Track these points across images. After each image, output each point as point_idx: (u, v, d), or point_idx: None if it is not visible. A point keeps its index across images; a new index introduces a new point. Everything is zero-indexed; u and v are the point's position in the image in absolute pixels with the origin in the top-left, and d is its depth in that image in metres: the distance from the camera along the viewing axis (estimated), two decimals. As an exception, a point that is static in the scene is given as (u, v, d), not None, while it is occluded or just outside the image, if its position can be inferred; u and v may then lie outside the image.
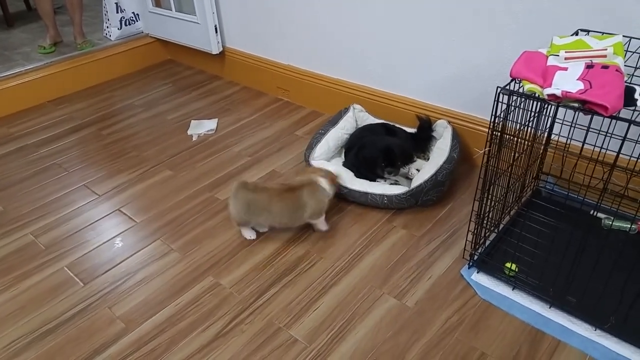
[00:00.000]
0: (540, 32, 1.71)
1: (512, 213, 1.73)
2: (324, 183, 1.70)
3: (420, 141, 2.08)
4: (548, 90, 1.19)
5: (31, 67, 2.77)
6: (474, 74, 1.94)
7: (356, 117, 2.20)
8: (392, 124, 2.15)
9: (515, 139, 1.41)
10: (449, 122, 2.03)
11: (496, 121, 1.31)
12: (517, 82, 1.33)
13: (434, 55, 2.02)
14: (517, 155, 1.45)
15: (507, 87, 1.27)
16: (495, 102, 1.27)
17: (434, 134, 2.08)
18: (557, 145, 1.73)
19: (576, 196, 1.60)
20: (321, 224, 1.76)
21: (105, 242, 1.77)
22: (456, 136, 1.96)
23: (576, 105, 1.15)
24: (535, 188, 1.85)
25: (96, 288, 1.59)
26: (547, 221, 1.61)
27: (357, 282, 1.56)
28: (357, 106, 2.22)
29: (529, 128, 1.49)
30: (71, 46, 3.08)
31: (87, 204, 1.97)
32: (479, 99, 1.98)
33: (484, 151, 1.37)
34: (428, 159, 2.01)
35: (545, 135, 1.73)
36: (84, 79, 2.94)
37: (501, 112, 1.30)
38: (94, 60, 2.95)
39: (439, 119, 2.09)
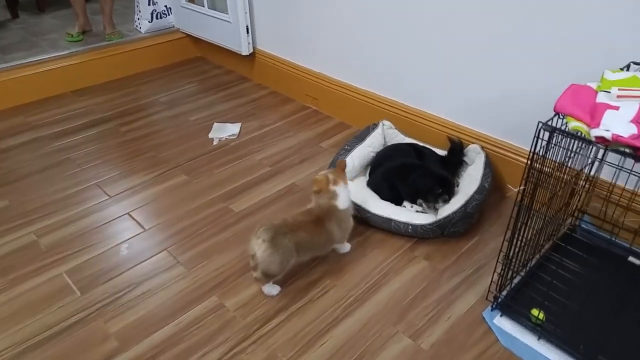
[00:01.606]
0: (591, 62, 1.56)
1: (542, 252, 1.58)
2: (343, 203, 1.55)
3: (451, 165, 1.94)
4: (596, 132, 1.06)
5: (55, 55, 2.73)
6: (514, 99, 1.80)
7: (385, 135, 2.08)
8: (421, 144, 2.02)
9: (554, 177, 1.27)
10: (482, 148, 1.89)
11: (534, 158, 1.18)
12: (560, 117, 1.20)
13: (472, 75, 1.88)
14: (554, 194, 1.32)
15: (549, 123, 1.14)
16: (535, 139, 1.15)
17: (465, 158, 1.94)
18: (595, 183, 1.58)
19: (614, 239, 1.46)
20: (344, 247, 1.66)
21: (109, 249, 1.69)
22: (489, 164, 1.82)
23: (627, 150, 1.02)
24: (570, 226, 1.70)
25: (94, 299, 1.50)
26: (580, 266, 1.45)
27: (370, 316, 1.44)
28: (387, 123, 2.10)
29: (569, 165, 1.35)
30: (100, 36, 3.03)
31: (97, 205, 1.90)
32: (516, 126, 1.84)
33: (519, 189, 1.23)
34: (457, 185, 1.88)
35: (587, 172, 1.58)
36: (109, 71, 2.88)
37: (540, 149, 1.17)
38: (121, 52, 2.89)
39: (472, 143, 1.95)
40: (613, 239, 1.56)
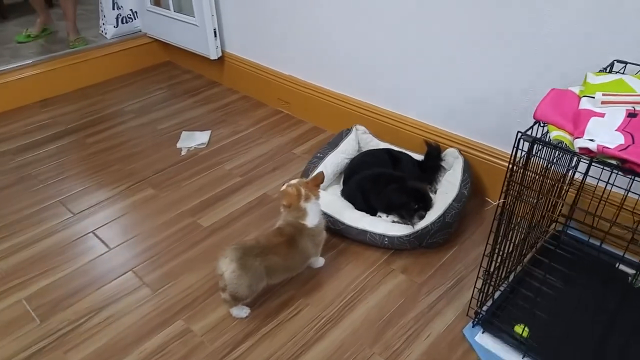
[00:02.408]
0: (573, 59, 1.50)
1: (526, 260, 1.52)
2: (313, 220, 1.46)
3: (428, 171, 1.88)
4: (580, 142, 0.99)
5: (18, 64, 2.61)
6: (492, 100, 1.73)
7: (359, 140, 2.01)
8: (397, 149, 1.95)
9: (536, 185, 1.21)
10: (460, 152, 1.83)
11: (514, 170, 1.12)
12: (541, 125, 1.13)
13: (448, 75, 1.82)
14: (535, 205, 1.25)
15: (529, 132, 1.07)
16: (514, 149, 1.08)
17: (443, 163, 1.88)
18: (581, 186, 1.52)
19: (601, 245, 1.40)
20: (317, 261, 1.59)
21: (72, 271, 1.60)
22: (468, 169, 1.76)
23: (614, 162, 0.95)
24: (555, 233, 1.64)
25: (54, 327, 1.41)
26: (566, 276, 1.36)
27: (345, 337, 1.37)
28: (361, 127, 2.03)
29: (551, 169, 1.28)
30: (63, 42, 2.91)
31: (59, 224, 1.80)
32: (495, 128, 1.78)
33: (498, 202, 1.17)
34: (435, 192, 1.82)
35: (571, 175, 1.52)
36: (76, 80, 2.77)
37: (520, 160, 1.10)
38: (87, 60, 2.78)
39: (450, 146, 1.89)
40: (600, 246, 1.50)
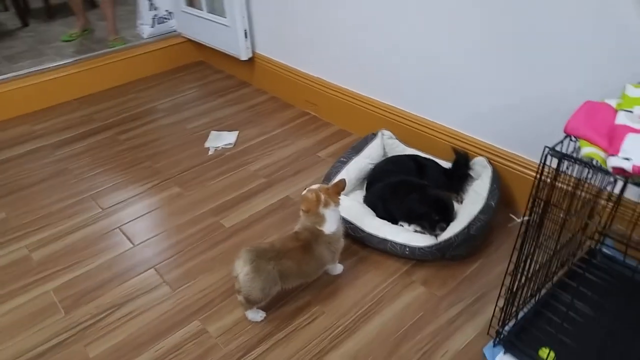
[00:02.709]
0: (614, 71, 1.42)
1: (556, 279, 1.45)
2: (331, 227, 1.44)
3: (455, 179, 1.83)
4: (613, 161, 0.93)
5: (61, 63, 2.70)
6: (525, 107, 1.67)
7: (384, 145, 1.99)
8: (423, 156, 1.92)
9: (565, 203, 1.16)
10: (489, 161, 1.78)
11: (540, 187, 1.07)
12: (573, 139, 1.08)
13: (481, 81, 1.77)
14: (563, 224, 1.20)
15: (560, 147, 1.02)
16: (541, 165, 1.03)
17: (470, 172, 1.83)
18: (618, 202, 1.45)
19: (637, 266, 1.33)
20: (335, 268, 1.57)
21: (97, 265, 1.64)
22: (496, 179, 1.71)
23: (651, 184, 0.90)
24: (590, 250, 1.56)
25: (77, 320, 1.45)
26: (600, 298, 1.30)
27: (359, 349, 1.35)
28: (387, 132, 2.00)
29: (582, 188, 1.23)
30: (102, 42, 2.99)
31: (89, 218, 1.85)
32: (528, 138, 1.71)
33: (522, 219, 1.13)
34: (462, 202, 1.78)
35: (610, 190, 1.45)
36: (113, 77, 2.84)
37: (547, 177, 1.06)
38: (123, 59, 2.85)
39: (479, 155, 1.84)
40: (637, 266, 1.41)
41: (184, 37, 3.04)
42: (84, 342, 1.39)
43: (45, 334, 1.41)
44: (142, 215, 1.85)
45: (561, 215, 1.11)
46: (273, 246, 1.39)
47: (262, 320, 1.43)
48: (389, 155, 1.99)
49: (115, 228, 1.80)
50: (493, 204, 1.63)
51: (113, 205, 1.91)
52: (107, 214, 1.87)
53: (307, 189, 1.48)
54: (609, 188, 1.39)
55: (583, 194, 1.23)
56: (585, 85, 1.50)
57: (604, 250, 1.54)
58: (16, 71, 2.61)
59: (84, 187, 2.02)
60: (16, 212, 1.90)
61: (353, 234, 1.65)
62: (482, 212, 1.59)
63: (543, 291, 1.39)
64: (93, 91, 2.80)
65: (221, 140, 2.28)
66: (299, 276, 1.43)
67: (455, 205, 1.77)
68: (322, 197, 1.44)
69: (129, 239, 1.75)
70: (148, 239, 1.74)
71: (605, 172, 0.95)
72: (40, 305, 1.50)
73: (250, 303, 1.39)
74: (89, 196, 1.96)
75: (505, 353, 1.31)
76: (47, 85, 2.63)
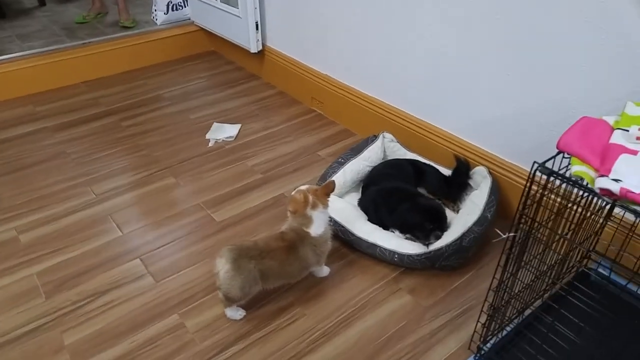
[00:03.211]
0: (623, 86, 1.37)
1: (546, 297, 1.40)
2: (318, 229, 1.41)
3: (454, 187, 1.79)
4: (602, 182, 0.88)
5: (70, 44, 2.70)
6: (530, 118, 1.62)
7: (385, 148, 1.94)
8: (424, 161, 1.87)
9: (552, 223, 1.11)
10: (490, 172, 1.72)
11: (527, 203, 1.03)
12: (565, 156, 1.03)
13: (485, 89, 1.71)
14: (548, 243, 1.15)
15: (550, 163, 0.98)
16: (529, 181, 0.99)
17: (470, 181, 1.78)
18: (621, 221, 1.38)
19: (625, 285, 1.27)
20: (321, 271, 1.54)
21: (84, 252, 1.63)
22: (495, 190, 1.66)
23: (638, 209, 0.85)
24: (582, 269, 1.51)
25: (57, 305, 1.44)
26: (589, 319, 1.19)
27: (337, 355, 1.32)
28: (388, 135, 1.96)
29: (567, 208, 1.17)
30: (115, 26, 2.99)
31: (81, 203, 1.84)
32: (530, 149, 1.66)
33: (507, 235, 1.08)
34: (458, 212, 1.73)
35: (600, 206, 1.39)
36: (123, 63, 2.84)
37: (535, 194, 1.01)
38: (135, 44, 2.84)
39: (479, 164, 1.79)
40: (636, 290, 1.34)
41: (197, 25, 3.02)
42: (61, 328, 1.38)
43: (24, 318, 1.41)
44: (134, 204, 1.84)
45: (546, 234, 1.06)
46: (256, 245, 1.36)
47: (241, 319, 1.40)
48: (389, 158, 1.94)
49: (106, 215, 1.79)
50: (489, 215, 1.58)
51: (107, 192, 1.90)
52: (100, 200, 1.86)
53: (296, 189, 1.45)
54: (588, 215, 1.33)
55: (573, 213, 1.17)
56: (591, 99, 1.44)
57: (600, 270, 1.48)
58: (26, 50, 2.62)
59: (81, 171, 2.02)
60: (10, 192, 1.90)
61: (343, 237, 1.61)
62: (477, 223, 1.54)
63: (529, 311, 1.34)
64: (101, 75, 2.79)
65: (223, 132, 2.26)
66: (280, 277, 1.40)
67: (451, 214, 1.72)
68: (310, 198, 1.41)
69: (118, 227, 1.73)
70: (137, 229, 1.73)
71: (593, 193, 0.90)
72: (22, 289, 1.50)
73: (229, 300, 1.36)
74: (85, 181, 1.96)
75: (485, 370, 1.27)
76: (55, 66, 2.63)
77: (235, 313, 1.40)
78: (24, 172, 2.02)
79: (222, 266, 1.31)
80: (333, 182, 1.47)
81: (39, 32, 2.92)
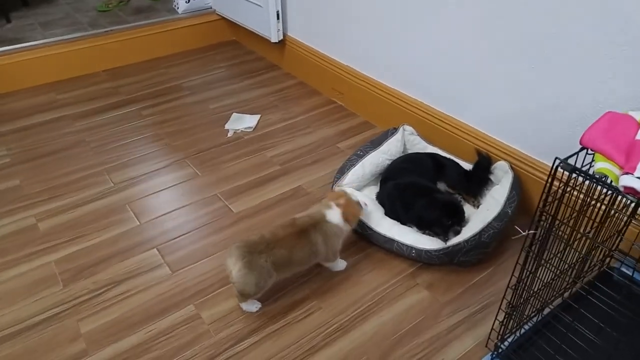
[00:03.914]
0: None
1: (567, 295, 1.36)
2: (334, 217, 1.42)
3: (475, 182, 1.75)
4: (626, 180, 0.85)
5: (92, 32, 2.71)
6: (554, 114, 1.57)
7: (405, 141, 1.91)
8: (444, 155, 1.83)
9: (574, 221, 1.07)
10: (511, 167, 1.68)
11: (548, 200, 0.99)
12: (589, 152, 0.99)
13: (508, 82, 1.67)
14: (569, 241, 1.11)
15: (571, 161, 0.94)
16: (551, 178, 0.95)
17: (491, 176, 1.74)
18: (624, 229, 1.34)
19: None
20: (336, 265, 1.52)
21: (101, 241, 1.64)
22: (517, 186, 1.62)
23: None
24: (604, 269, 1.47)
25: (74, 294, 1.46)
26: (610, 318, 1.14)
27: (352, 349, 1.31)
28: (408, 128, 1.92)
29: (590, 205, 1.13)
30: (139, 14, 2.99)
31: (100, 192, 1.85)
32: (553, 145, 1.62)
33: (527, 233, 1.05)
34: (478, 207, 1.69)
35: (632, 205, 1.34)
36: (144, 51, 2.85)
37: (557, 191, 0.98)
38: (156, 33, 2.85)
39: (501, 159, 1.74)
40: None
41: (218, 14, 3.01)
42: (78, 316, 1.39)
43: (41, 305, 1.42)
44: (152, 194, 1.84)
45: (567, 232, 1.03)
46: (263, 238, 1.34)
47: (257, 311, 1.40)
48: (409, 151, 1.91)
49: (124, 204, 1.80)
50: (509, 211, 1.54)
51: (125, 181, 1.91)
52: (118, 189, 1.87)
53: (339, 188, 1.46)
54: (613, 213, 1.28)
55: (596, 210, 1.13)
56: (617, 94, 1.39)
57: (623, 269, 1.44)
58: (48, 38, 2.63)
59: (100, 160, 2.03)
60: (30, 180, 1.92)
61: (360, 231, 1.59)
62: (497, 219, 1.51)
63: (548, 309, 1.31)
64: (122, 64, 2.81)
65: (242, 123, 2.25)
66: (292, 264, 1.38)
67: (471, 209, 1.69)
68: (344, 199, 1.44)
69: (136, 216, 1.74)
70: (155, 218, 1.73)
71: (617, 190, 0.86)
72: (40, 276, 1.52)
73: (245, 297, 1.36)
74: (103, 170, 1.97)
75: (502, 368, 1.25)
76: (76, 54, 2.65)
77: (252, 306, 1.40)
78: (43, 160, 2.04)
79: (234, 265, 1.30)
80: (361, 210, 1.49)
81: (61, 20, 2.93)
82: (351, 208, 1.46)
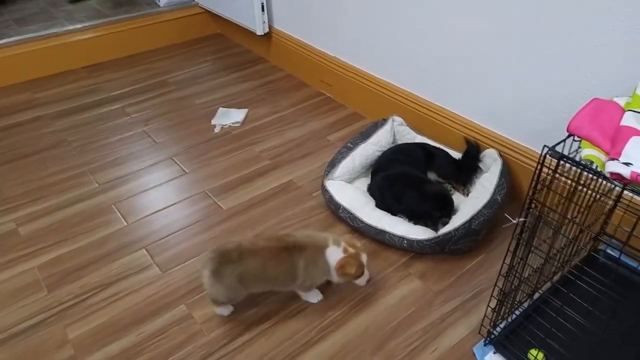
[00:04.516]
0: (629, 67, 1.31)
1: (555, 279, 1.36)
2: (333, 255, 1.30)
3: (464, 170, 1.74)
4: (612, 166, 0.85)
5: (69, 28, 2.65)
6: (543, 101, 1.57)
7: (394, 132, 1.89)
8: (433, 144, 1.82)
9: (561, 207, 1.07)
10: (500, 154, 1.68)
11: (537, 188, 0.98)
12: (575, 139, 0.99)
13: (495, 71, 1.66)
14: (558, 226, 1.11)
15: (558, 148, 0.93)
16: (540, 166, 0.95)
17: (480, 164, 1.74)
18: (630, 202, 1.34)
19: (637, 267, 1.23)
20: (310, 296, 1.41)
21: (87, 243, 1.61)
22: (506, 173, 1.62)
23: (650, 193, 0.81)
24: (591, 250, 1.47)
25: (59, 299, 1.42)
26: (597, 300, 1.11)
27: (347, 342, 1.30)
28: (397, 118, 1.91)
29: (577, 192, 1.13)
30: (118, 8, 2.92)
31: (84, 193, 1.81)
32: (542, 131, 1.61)
33: (517, 221, 1.04)
34: (468, 195, 1.69)
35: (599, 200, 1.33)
36: (125, 47, 2.79)
37: (546, 178, 0.97)
38: (137, 27, 2.78)
39: (490, 147, 1.74)
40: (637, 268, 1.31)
41: (201, 7, 2.95)
42: (65, 322, 1.36)
43: (25, 313, 1.39)
44: (139, 193, 1.81)
45: (556, 219, 1.02)
46: (239, 246, 1.27)
47: (228, 315, 1.36)
48: (399, 142, 1.90)
49: (109, 205, 1.76)
50: (499, 198, 1.54)
51: (110, 181, 1.87)
52: (103, 189, 1.83)
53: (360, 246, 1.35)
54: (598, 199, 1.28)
55: (583, 196, 1.14)
56: (602, 80, 1.39)
57: (608, 251, 1.45)
58: (22, 35, 2.56)
59: (83, 160, 1.98)
60: (9, 183, 1.86)
61: (352, 224, 1.58)
62: (486, 206, 1.50)
63: (538, 294, 1.31)
64: (102, 60, 2.75)
65: (229, 117, 2.22)
66: (263, 279, 1.30)
67: (461, 198, 1.68)
68: (353, 252, 1.31)
69: (122, 216, 1.71)
70: (142, 218, 1.70)
71: (603, 177, 0.86)
72: (23, 283, 1.48)
73: (216, 303, 1.34)
74: (87, 170, 1.93)
75: (495, 353, 1.26)
76: (54, 51, 2.58)
77: (225, 310, 1.36)
78: (23, 161, 1.99)
79: (202, 272, 1.27)
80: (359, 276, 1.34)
81: (36, 15, 2.84)
82: (352, 264, 1.29)
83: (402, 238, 1.50)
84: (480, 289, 1.44)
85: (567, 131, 0.97)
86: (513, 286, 1.16)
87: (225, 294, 1.28)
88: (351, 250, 1.31)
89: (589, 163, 0.90)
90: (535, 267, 1.17)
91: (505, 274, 1.13)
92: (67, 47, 2.62)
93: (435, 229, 1.53)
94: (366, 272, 1.35)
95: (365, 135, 1.83)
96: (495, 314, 1.22)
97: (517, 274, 1.13)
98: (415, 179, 1.62)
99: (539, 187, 0.98)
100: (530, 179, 0.99)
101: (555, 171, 0.94)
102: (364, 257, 1.32)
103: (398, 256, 1.54)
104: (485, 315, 1.26)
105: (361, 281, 1.35)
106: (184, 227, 1.66)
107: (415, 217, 1.57)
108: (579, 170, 0.99)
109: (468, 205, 1.55)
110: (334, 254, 1.30)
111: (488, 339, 1.26)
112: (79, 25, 2.67)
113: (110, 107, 2.35)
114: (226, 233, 1.63)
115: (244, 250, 1.27)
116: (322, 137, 2.11)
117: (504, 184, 1.58)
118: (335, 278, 1.33)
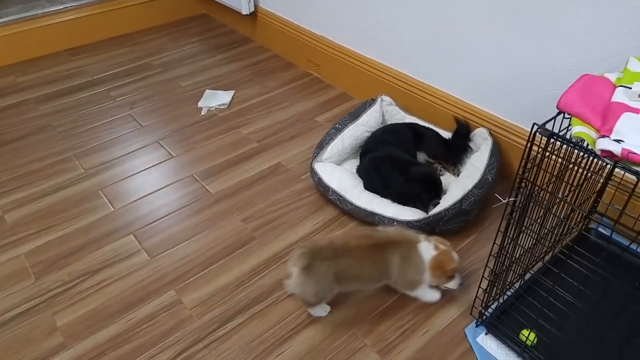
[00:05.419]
0: (619, 41, 1.30)
1: (547, 259, 1.36)
2: (426, 250, 1.26)
3: (454, 150, 1.73)
4: (603, 143, 0.83)
5: (51, 10, 2.57)
6: (532, 78, 1.55)
7: (383, 112, 1.87)
8: (423, 124, 1.80)
9: (552, 186, 1.06)
10: (491, 133, 1.66)
11: (527, 167, 0.97)
12: (566, 116, 0.97)
13: (484, 48, 1.63)
14: (550, 207, 1.10)
15: (548, 126, 0.92)
16: (529, 144, 0.93)
17: (470, 144, 1.72)
18: (622, 180, 1.33)
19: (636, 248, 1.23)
20: (424, 295, 1.34)
21: (74, 230, 1.58)
22: (496, 152, 1.60)
23: None
24: (583, 229, 1.47)
25: (47, 286, 1.41)
26: (588, 279, 1.09)
27: (337, 325, 1.29)
28: (386, 98, 1.89)
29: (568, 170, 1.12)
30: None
31: (70, 179, 1.78)
32: (532, 109, 1.60)
33: (507, 200, 1.03)
34: (458, 175, 1.67)
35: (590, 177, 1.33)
36: (109, 28, 2.73)
37: (536, 156, 0.96)
38: (122, 7, 2.72)
39: (480, 126, 1.72)
40: (635, 248, 1.31)
41: (185, -14, 2.89)
42: (53, 310, 1.34)
43: (13, 300, 1.37)
44: (125, 178, 1.78)
45: (546, 198, 1.01)
46: (331, 244, 1.24)
47: (326, 315, 1.32)
48: (388, 122, 1.88)
49: (96, 190, 1.73)
50: (490, 178, 1.53)
51: (96, 166, 1.84)
52: (89, 175, 1.80)
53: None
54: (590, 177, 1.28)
55: (574, 174, 1.12)
56: (592, 55, 1.37)
57: (600, 229, 1.45)
58: (2, 17, 2.49)
59: (68, 145, 1.95)
60: (-5, 170, 1.84)
61: (341, 206, 1.57)
62: (477, 186, 1.49)
63: (529, 274, 1.31)
64: (86, 42, 2.69)
65: (216, 99, 2.18)
66: (357, 278, 1.27)
67: (451, 178, 1.67)
68: (444, 249, 1.27)
69: (109, 202, 1.69)
70: (129, 203, 1.68)
71: (594, 154, 0.84)
72: (9, 270, 1.46)
73: (306, 304, 1.31)
74: (72, 155, 1.90)
75: (486, 334, 1.26)
76: (35, 33, 2.52)
77: (320, 311, 1.32)
78: (6, 147, 1.95)
79: (292, 269, 1.23)
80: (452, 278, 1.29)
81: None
82: (446, 261, 1.25)
83: (391, 220, 1.49)
84: (471, 270, 1.43)
85: (557, 108, 0.95)
86: (504, 267, 1.15)
87: (315, 292, 1.23)
88: (442, 247, 1.26)
89: (579, 140, 0.89)
90: (526, 247, 1.16)
91: (495, 255, 1.12)
92: (49, 30, 2.55)
93: (426, 211, 1.52)
94: (457, 276, 1.29)
95: (354, 115, 1.81)
96: (486, 295, 1.21)
97: (508, 255, 1.12)
98: (401, 160, 1.60)
99: (528, 165, 0.96)
100: (521, 157, 0.97)
101: (545, 149, 0.92)
102: (455, 256, 1.27)
103: (388, 238, 1.53)
104: (476, 297, 1.26)
105: (453, 284, 1.30)
106: (171, 211, 1.64)
107: (404, 201, 1.55)
108: (569, 148, 0.99)
109: (459, 185, 1.54)
110: (427, 250, 1.26)
111: (480, 320, 1.26)
112: (60, 7, 2.60)
113: (94, 90, 2.30)
114: (215, 216, 1.61)
115: (338, 249, 1.23)
116: (310, 119, 2.08)
117: (494, 163, 1.56)
118: (427, 278, 1.28)
